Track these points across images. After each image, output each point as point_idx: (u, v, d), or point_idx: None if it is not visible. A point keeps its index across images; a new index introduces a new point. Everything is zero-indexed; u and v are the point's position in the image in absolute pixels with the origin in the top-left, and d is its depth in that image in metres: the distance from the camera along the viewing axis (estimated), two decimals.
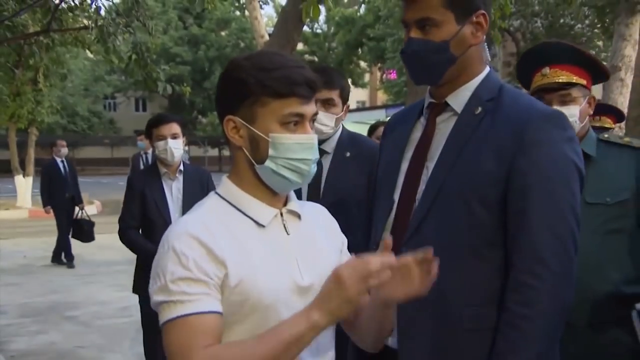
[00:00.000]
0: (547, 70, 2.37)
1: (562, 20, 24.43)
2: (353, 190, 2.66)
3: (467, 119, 1.67)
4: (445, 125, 1.71)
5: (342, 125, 2.85)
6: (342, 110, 2.77)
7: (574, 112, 2.26)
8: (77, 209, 9.24)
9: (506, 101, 1.65)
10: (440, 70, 1.67)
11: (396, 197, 1.75)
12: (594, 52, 25.16)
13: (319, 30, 38.89)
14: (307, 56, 37.57)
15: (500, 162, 1.56)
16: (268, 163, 1.36)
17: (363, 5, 34.13)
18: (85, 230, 9.02)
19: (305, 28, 32.64)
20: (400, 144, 1.81)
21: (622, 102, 9.30)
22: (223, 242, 1.31)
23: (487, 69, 1.74)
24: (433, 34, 1.64)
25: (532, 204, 1.53)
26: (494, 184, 1.56)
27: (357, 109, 31.59)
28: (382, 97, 42.38)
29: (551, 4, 23.58)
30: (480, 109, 1.66)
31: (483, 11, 1.67)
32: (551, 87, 2.35)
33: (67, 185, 9.49)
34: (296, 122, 1.36)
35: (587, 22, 23.88)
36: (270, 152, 1.35)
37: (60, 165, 9.56)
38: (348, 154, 2.77)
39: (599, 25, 21.90)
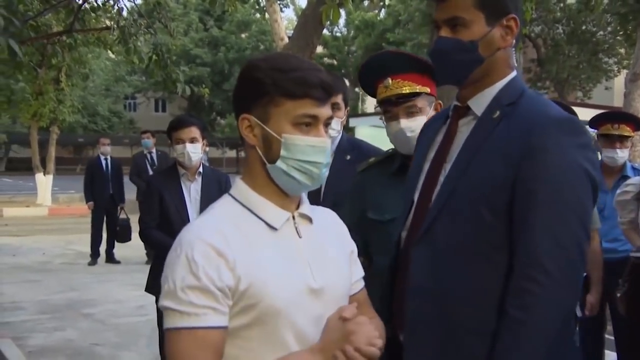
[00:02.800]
0: (389, 81, 2.28)
1: (583, 27, 24.21)
2: None
3: (484, 122, 1.65)
4: (466, 129, 1.70)
5: (343, 129, 2.89)
6: (344, 114, 2.82)
7: (420, 124, 2.14)
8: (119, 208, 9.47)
9: (523, 106, 1.63)
10: (466, 70, 1.66)
11: (416, 197, 1.76)
12: (615, 60, 24.94)
13: (338, 34, 38.90)
14: (326, 59, 37.57)
15: (507, 167, 1.54)
16: (279, 163, 1.37)
17: (383, 9, 34.13)
18: (118, 231, 9.22)
19: (325, 31, 32.66)
20: (426, 146, 1.82)
21: None
22: (236, 246, 1.32)
23: (514, 73, 1.72)
24: (462, 34, 1.63)
25: (534, 210, 1.51)
26: (501, 189, 1.55)
27: (376, 113, 31.48)
28: None
29: (573, 10, 23.38)
30: (498, 112, 1.64)
31: (514, 15, 1.66)
32: (396, 99, 2.28)
33: (108, 183, 9.65)
34: (309, 123, 1.36)
35: (609, 29, 23.65)
36: (282, 152, 1.36)
37: (103, 163, 9.71)
38: (348, 157, 2.80)
39: (621, 33, 21.68)
